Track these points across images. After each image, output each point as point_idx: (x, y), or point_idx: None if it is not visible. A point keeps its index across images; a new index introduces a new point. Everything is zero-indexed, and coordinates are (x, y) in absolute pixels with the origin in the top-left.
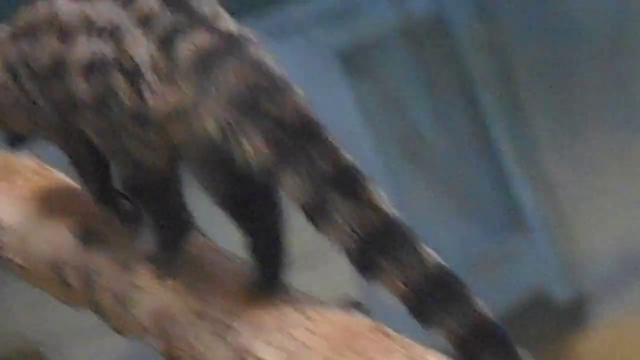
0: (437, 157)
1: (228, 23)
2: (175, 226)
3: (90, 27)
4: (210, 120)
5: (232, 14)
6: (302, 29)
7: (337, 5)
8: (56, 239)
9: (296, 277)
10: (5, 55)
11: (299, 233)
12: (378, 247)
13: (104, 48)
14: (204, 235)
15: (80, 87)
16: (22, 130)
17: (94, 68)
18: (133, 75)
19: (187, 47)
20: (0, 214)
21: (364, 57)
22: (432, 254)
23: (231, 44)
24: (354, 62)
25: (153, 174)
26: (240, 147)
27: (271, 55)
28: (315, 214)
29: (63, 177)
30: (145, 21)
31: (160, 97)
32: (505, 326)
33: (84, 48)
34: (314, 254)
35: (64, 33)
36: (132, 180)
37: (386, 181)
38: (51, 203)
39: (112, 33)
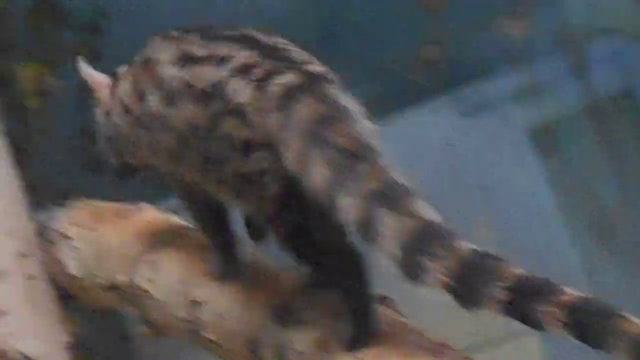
0: (626, 233)
1: (315, 66)
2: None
3: (192, 90)
4: (289, 151)
5: (428, 92)
6: (494, 106)
7: (526, 83)
8: (253, 317)
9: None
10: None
11: (485, 316)
12: (419, 250)
13: (207, 108)
14: None
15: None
16: (137, 165)
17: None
18: (238, 113)
19: (278, 84)
20: (196, 292)
21: (553, 134)
22: (465, 244)
23: (310, 81)
24: (543, 138)
25: (273, 204)
26: (308, 173)
27: (342, 90)
28: (365, 229)
29: (259, 255)
30: (243, 70)
31: (257, 129)
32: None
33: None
34: (501, 335)
35: (169, 97)
36: (259, 216)
37: (575, 256)
38: (247, 280)
39: (215, 88)
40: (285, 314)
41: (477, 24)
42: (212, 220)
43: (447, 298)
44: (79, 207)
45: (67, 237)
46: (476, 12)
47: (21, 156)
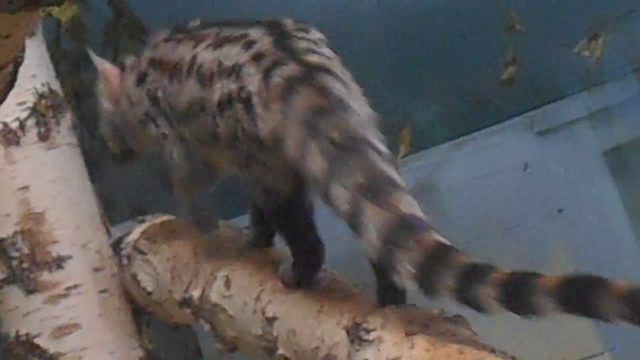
0: None
1: (315, 55)
2: (308, 251)
3: (221, 70)
4: (289, 140)
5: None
6: (568, 128)
7: (600, 105)
8: (327, 334)
9: None
10: (149, 83)
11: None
12: (394, 242)
13: (230, 86)
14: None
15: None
16: (138, 150)
17: (224, 106)
18: (248, 103)
19: (278, 76)
20: (270, 308)
21: (626, 156)
22: (433, 236)
23: (309, 73)
24: (617, 160)
25: (281, 198)
26: (306, 162)
27: (344, 78)
28: (352, 219)
29: (333, 272)
30: (258, 58)
31: (262, 121)
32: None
33: (218, 91)
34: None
35: (203, 79)
36: (267, 206)
37: None
38: (319, 295)
39: (235, 71)
40: (359, 332)
41: (553, 46)
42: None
43: (518, 320)
44: (154, 223)
45: (141, 252)
46: (553, 34)
47: (96, 171)
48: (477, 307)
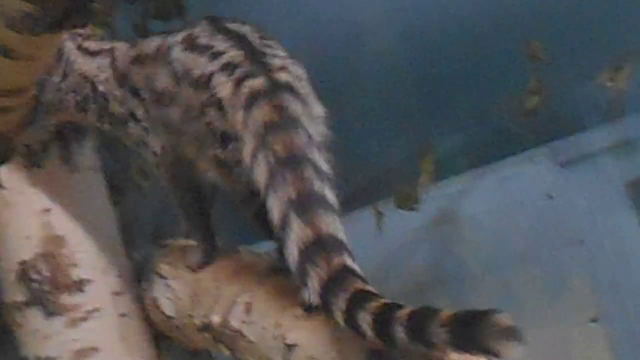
0: None
1: (284, 74)
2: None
3: (191, 76)
4: (246, 148)
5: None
6: (591, 159)
7: (623, 136)
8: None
9: None
10: (132, 76)
11: None
12: (309, 258)
13: (199, 95)
14: None
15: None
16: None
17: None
18: (219, 106)
19: (247, 87)
20: (290, 334)
21: None
22: (342, 260)
23: (273, 89)
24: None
25: (246, 190)
26: (254, 172)
27: (306, 99)
28: (281, 230)
29: None
30: (229, 67)
31: (230, 123)
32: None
33: (189, 94)
34: None
35: (176, 78)
36: (237, 197)
37: None
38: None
39: (206, 79)
40: (378, 358)
41: (577, 77)
42: (196, 207)
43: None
44: (175, 247)
45: (162, 277)
46: (577, 65)
47: (118, 194)
48: (358, 332)
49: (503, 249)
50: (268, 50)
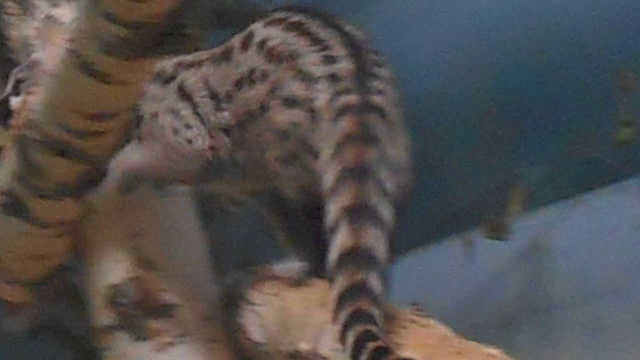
0: None
1: (379, 97)
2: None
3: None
4: (322, 155)
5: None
6: None
7: None
8: None
9: None
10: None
11: None
12: (340, 265)
13: (298, 90)
14: None
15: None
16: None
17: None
18: (313, 114)
19: (341, 101)
20: None
21: None
22: (365, 275)
23: (363, 108)
24: None
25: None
26: (323, 177)
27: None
28: (329, 235)
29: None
30: (334, 78)
31: (318, 133)
32: None
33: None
34: None
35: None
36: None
37: None
38: (431, 349)
39: (309, 80)
40: None
41: None
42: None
43: None
44: (264, 273)
45: (250, 303)
46: None
47: (206, 219)
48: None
49: (592, 280)
50: (375, 70)
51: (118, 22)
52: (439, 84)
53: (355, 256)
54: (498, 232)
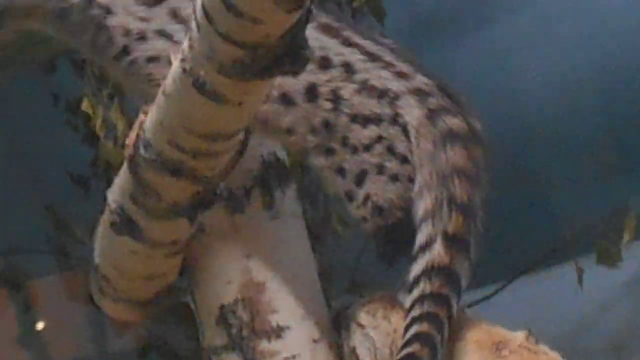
0: None
1: (476, 121)
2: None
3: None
4: (420, 177)
5: None
6: None
7: None
8: None
9: None
10: None
11: None
12: (427, 274)
13: (382, 108)
14: None
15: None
16: None
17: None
18: (403, 129)
19: (447, 123)
20: None
21: None
22: (445, 289)
23: (470, 135)
24: None
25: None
26: (419, 201)
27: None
28: (419, 250)
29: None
30: (419, 93)
31: (411, 148)
32: None
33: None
34: None
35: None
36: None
37: None
38: None
39: (391, 97)
40: None
41: None
42: None
43: None
44: (375, 297)
45: (361, 326)
46: None
47: (316, 241)
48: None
49: None
50: (451, 90)
51: (234, 42)
52: (552, 111)
53: (444, 272)
54: (609, 259)
